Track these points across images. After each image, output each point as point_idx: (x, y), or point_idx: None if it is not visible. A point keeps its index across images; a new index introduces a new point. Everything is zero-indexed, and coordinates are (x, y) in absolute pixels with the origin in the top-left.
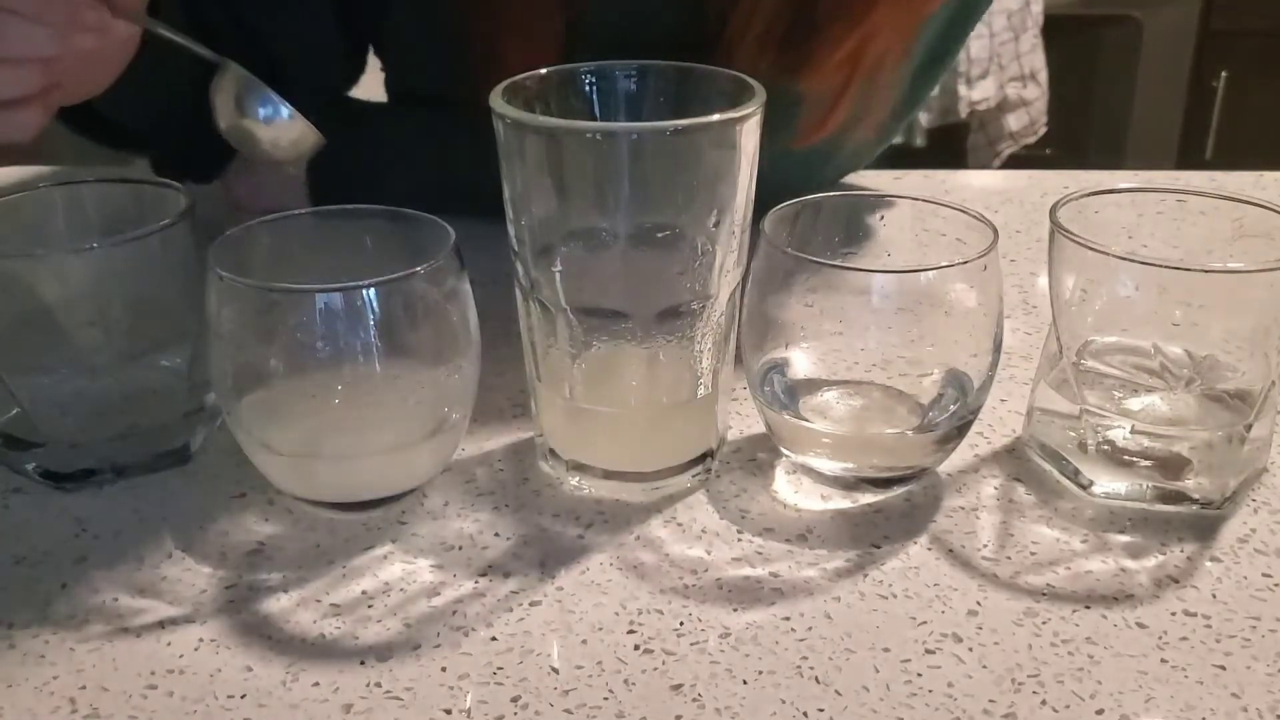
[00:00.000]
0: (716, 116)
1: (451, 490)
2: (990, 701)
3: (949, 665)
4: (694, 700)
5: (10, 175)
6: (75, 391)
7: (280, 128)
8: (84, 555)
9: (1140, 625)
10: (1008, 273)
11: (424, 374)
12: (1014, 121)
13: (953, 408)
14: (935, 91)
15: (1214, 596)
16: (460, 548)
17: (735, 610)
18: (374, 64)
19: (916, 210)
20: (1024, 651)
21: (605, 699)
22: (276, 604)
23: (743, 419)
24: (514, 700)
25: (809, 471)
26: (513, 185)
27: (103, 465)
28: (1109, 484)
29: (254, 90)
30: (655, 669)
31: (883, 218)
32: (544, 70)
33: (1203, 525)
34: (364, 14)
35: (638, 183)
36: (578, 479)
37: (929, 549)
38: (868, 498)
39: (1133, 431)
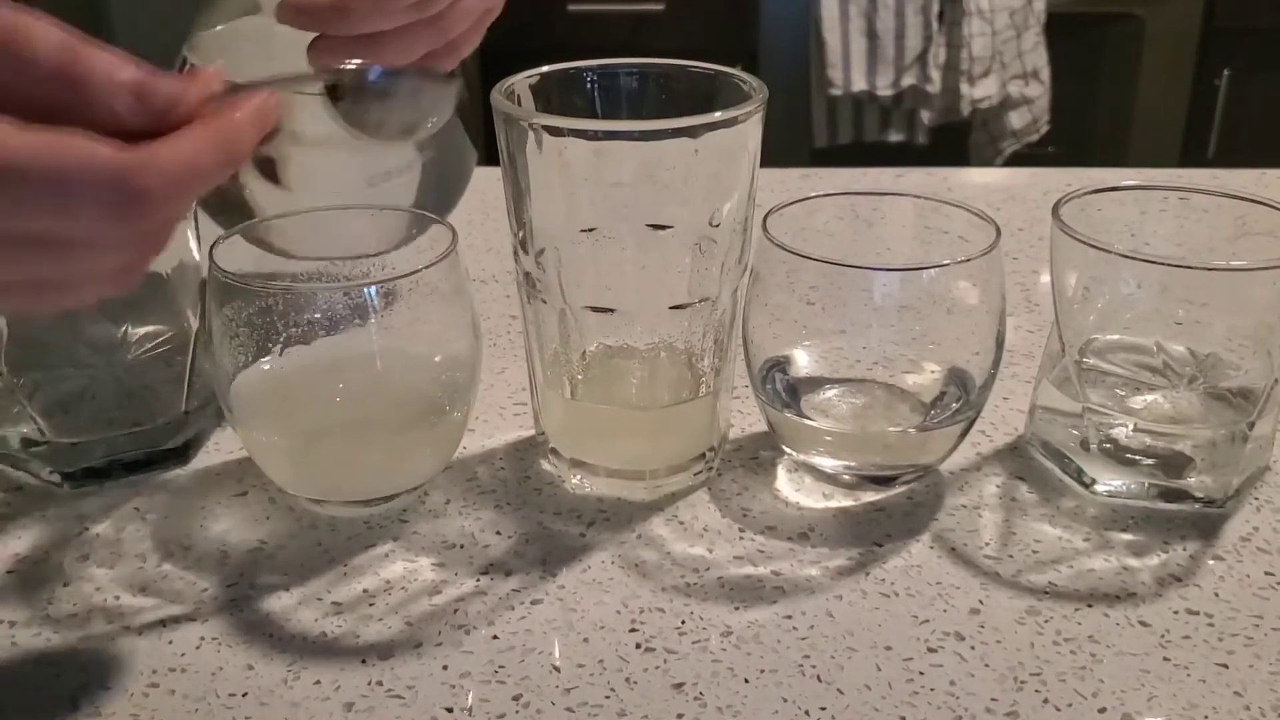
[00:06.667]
0: (718, 114)
1: (453, 488)
2: (993, 700)
3: (951, 664)
4: (695, 699)
5: None
6: (77, 390)
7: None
8: (86, 553)
9: (1143, 624)
10: (1010, 270)
11: (425, 372)
12: (1016, 119)
13: (955, 406)
14: (937, 89)
15: (1217, 595)
16: (462, 546)
17: (737, 609)
18: None
19: (919, 208)
20: (1026, 650)
21: (607, 697)
22: (278, 602)
23: (744, 417)
24: (515, 699)
25: (811, 470)
26: (514, 184)
27: (104, 464)
28: (1111, 482)
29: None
30: (657, 667)
31: (885, 215)
32: (545, 68)
33: (1205, 524)
34: None
35: (639, 180)
36: (579, 477)
37: (931, 547)
38: (870, 496)
39: (1135, 430)
